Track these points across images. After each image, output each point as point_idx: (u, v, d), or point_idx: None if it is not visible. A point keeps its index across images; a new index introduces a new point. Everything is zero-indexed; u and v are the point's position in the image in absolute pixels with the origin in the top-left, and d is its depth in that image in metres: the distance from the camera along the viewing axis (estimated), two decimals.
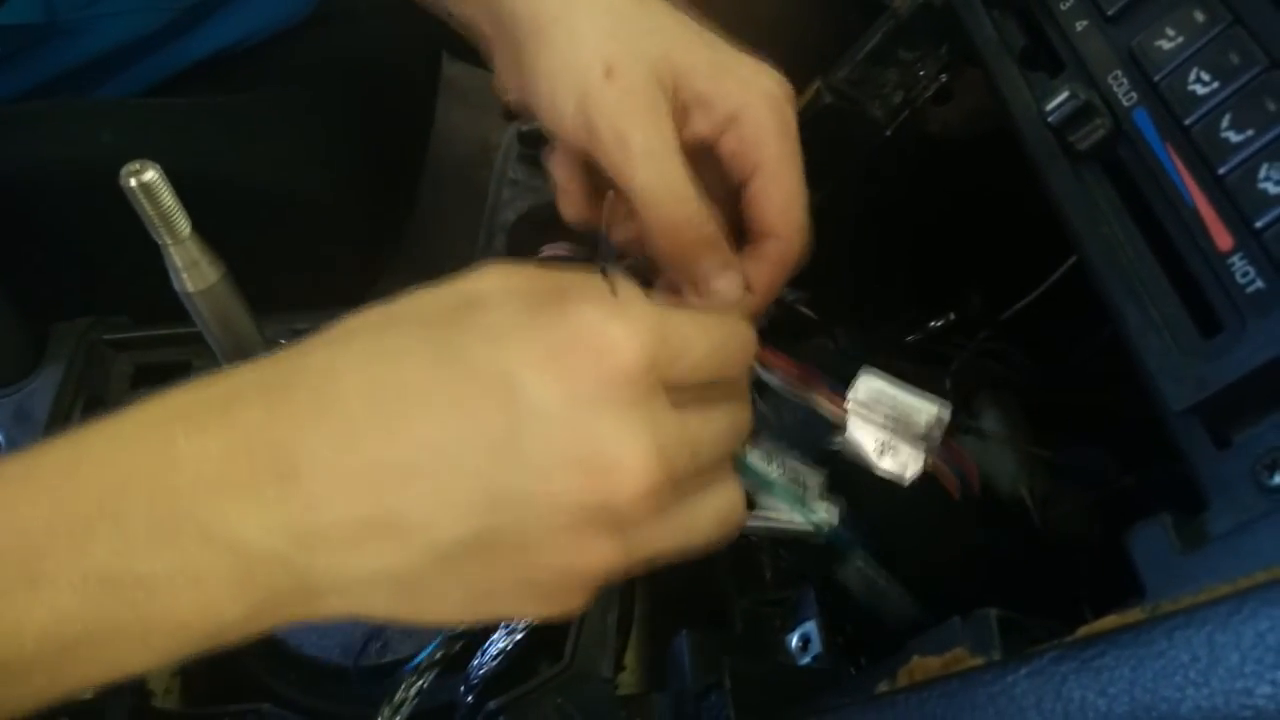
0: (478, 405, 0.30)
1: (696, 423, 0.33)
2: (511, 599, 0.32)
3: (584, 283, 0.33)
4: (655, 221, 0.40)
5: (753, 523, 0.43)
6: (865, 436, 0.41)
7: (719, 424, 0.34)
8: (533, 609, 0.33)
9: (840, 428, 0.42)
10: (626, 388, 0.30)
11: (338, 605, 0.31)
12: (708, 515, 0.34)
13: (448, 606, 0.32)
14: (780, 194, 0.42)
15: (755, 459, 0.43)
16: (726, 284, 0.41)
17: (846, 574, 0.45)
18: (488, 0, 0.45)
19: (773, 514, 0.43)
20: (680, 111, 0.42)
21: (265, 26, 0.72)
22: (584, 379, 0.30)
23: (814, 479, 0.44)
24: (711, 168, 0.43)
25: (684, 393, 0.33)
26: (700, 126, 0.42)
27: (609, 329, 0.30)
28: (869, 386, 0.42)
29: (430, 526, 0.30)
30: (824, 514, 0.43)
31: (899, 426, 0.41)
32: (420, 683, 0.44)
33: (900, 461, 0.41)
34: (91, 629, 0.28)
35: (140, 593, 0.28)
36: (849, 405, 0.41)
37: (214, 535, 0.29)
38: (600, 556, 0.31)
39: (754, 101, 0.42)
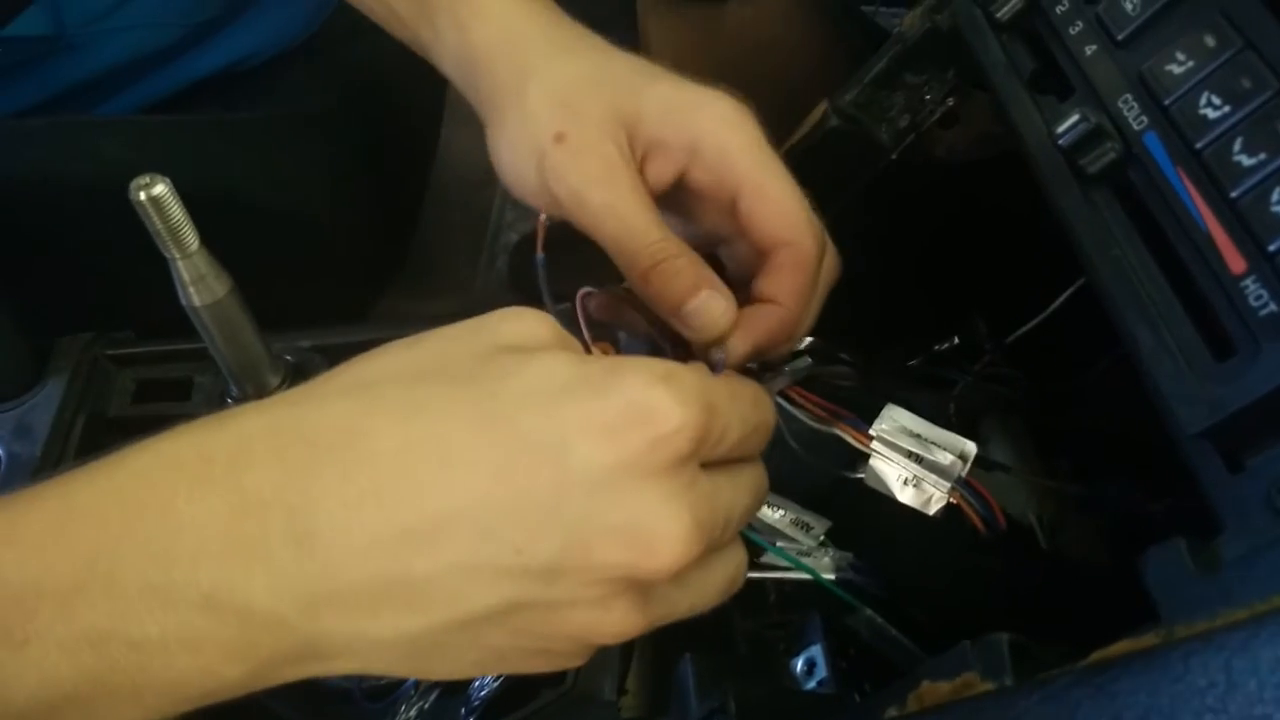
0: (525, 474, 0.29)
1: (728, 491, 0.33)
2: (523, 660, 0.32)
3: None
4: (630, 268, 0.40)
5: (754, 574, 0.43)
6: (889, 469, 0.41)
7: (745, 489, 0.34)
8: (540, 667, 0.33)
9: (864, 456, 0.42)
10: (673, 462, 0.30)
11: (342, 666, 0.30)
12: (720, 578, 0.34)
13: (457, 667, 0.31)
14: (769, 202, 0.41)
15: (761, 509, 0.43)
16: (698, 302, 0.40)
17: (857, 622, 0.45)
18: (465, 78, 0.46)
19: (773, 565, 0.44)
20: (643, 160, 0.42)
21: (271, 44, 0.73)
22: (635, 451, 0.29)
23: (818, 525, 0.44)
24: (710, 211, 0.43)
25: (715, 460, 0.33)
26: (664, 169, 0.42)
27: (664, 403, 0.29)
28: (894, 422, 0.42)
29: (457, 598, 0.29)
30: (827, 561, 0.43)
31: (923, 461, 0.41)
32: (421, 704, 0.43)
33: (924, 496, 0.41)
34: (82, 690, 0.27)
35: (134, 656, 0.27)
36: (873, 443, 0.41)
37: (217, 603, 0.27)
38: (621, 624, 0.31)
39: (707, 128, 0.41)
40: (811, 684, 0.45)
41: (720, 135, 0.41)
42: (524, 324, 0.32)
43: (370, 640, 0.29)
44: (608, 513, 0.29)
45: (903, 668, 0.44)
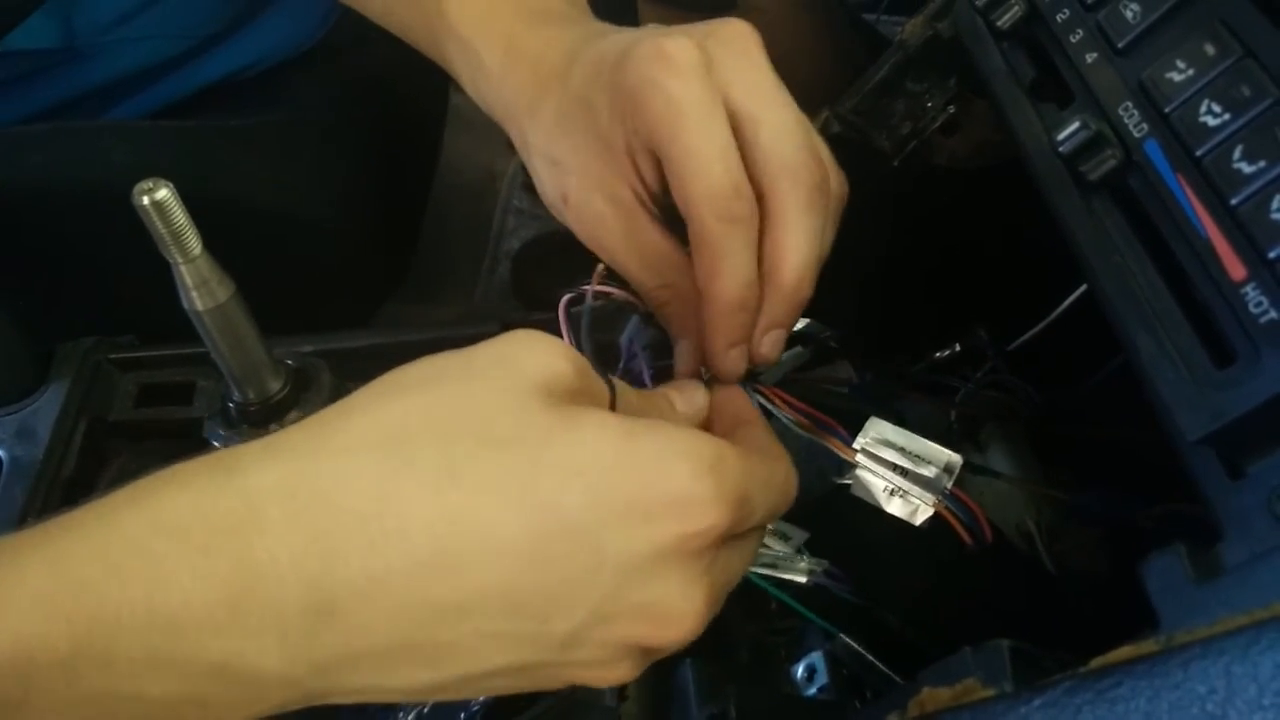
0: (563, 557, 0.29)
1: (739, 561, 0.34)
2: (523, 688, 0.33)
3: (672, 420, 0.35)
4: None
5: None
6: (875, 480, 0.42)
7: (750, 552, 0.36)
8: (532, 689, 0.34)
9: (850, 466, 0.42)
10: (699, 545, 0.30)
11: (349, 701, 0.30)
12: (710, 599, 0.34)
13: (460, 696, 0.34)
14: (689, 160, 0.37)
15: None
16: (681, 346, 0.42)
17: (835, 649, 0.46)
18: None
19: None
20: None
21: (275, 52, 0.73)
22: (669, 541, 0.30)
23: (796, 536, 0.45)
24: None
25: None
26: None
27: (705, 498, 0.30)
28: (878, 434, 0.42)
29: (475, 659, 0.29)
30: (802, 566, 0.44)
31: (908, 473, 0.41)
32: (420, 708, 0.43)
33: (909, 507, 0.41)
34: None
35: (137, 707, 0.27)
36: (858, 455, 0.41)
37: (227, 670, 0.27)
38: (620, 677, 0.33)
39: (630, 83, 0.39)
40: (812, 690, 0.45)
41: (639, 89, 0.38)
42: (548, 360, 0.31)
43: (381, 690, 0.30)
44: (633, 593, 0.30)
45: (879, 690, 0.44)
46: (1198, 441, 0.31)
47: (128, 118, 0.69)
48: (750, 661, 0.47)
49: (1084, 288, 0.52)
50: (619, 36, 0.42)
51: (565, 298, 0.43)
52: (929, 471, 0.41)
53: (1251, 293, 0.31)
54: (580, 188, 0.42)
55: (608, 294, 0.44)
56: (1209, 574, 0.29)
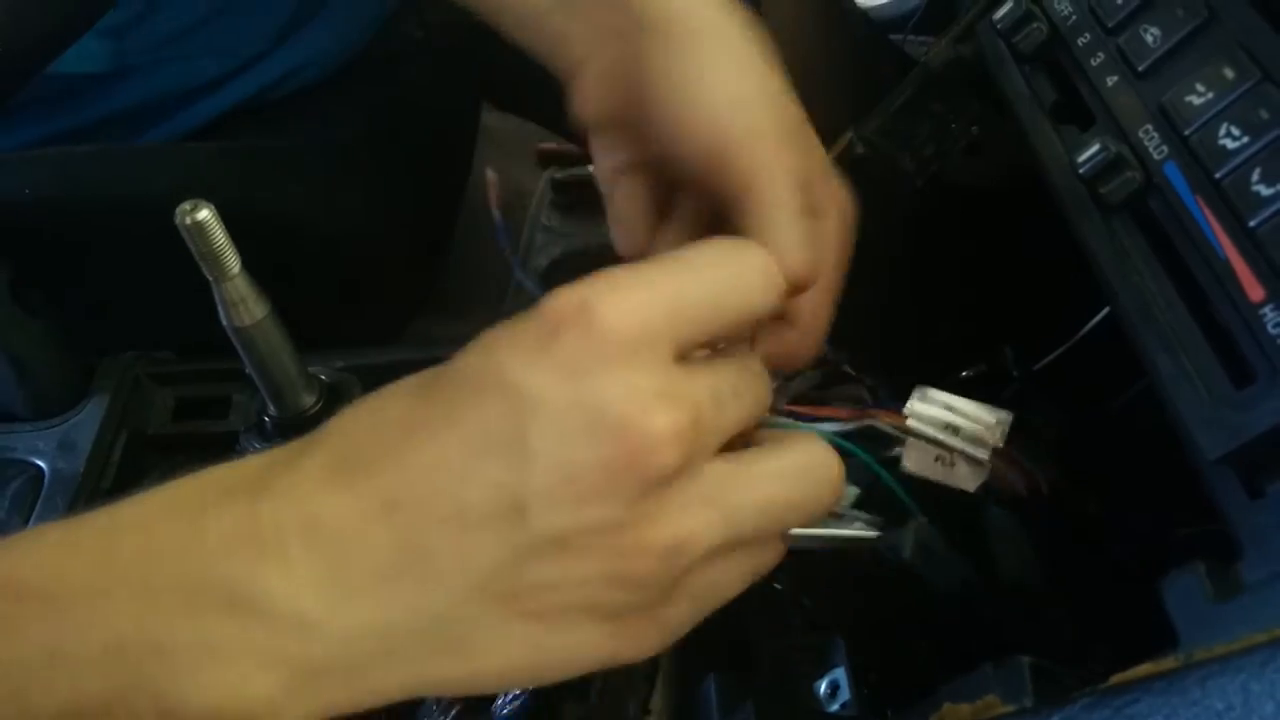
0: (473, 410, 0.29)
1: (704, 372, 0.30)
2: (574, 632, 0.30)
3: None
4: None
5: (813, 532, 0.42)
6: (925, 449, 0.41)
7: (730, 371, 0.32)
8: (604, 646, 0.30)
9: (900, 441, 0.41)
10: (618, 347, 0.28)
11: (382, 679, 0.29)
12: (789, 466, 0.31)
13: (505, 656, 0.29)
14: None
15: None
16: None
17: (904, 537, 0.43)
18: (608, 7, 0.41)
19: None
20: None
21: (312, 64, 0.74)
22: (572, 352, 0.28)
23: (850, 492, 0.43)
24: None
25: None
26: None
27: (584, 296, 0.28)
28: (925, 399, 0.41)
29: (462, 557, 0.28)
30: (859, 525, 0.42)
31: (959, 437, 0.41)
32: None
33: (962, 472, 0.41)
34: (112, 707, 0.27)
35: (162, 664, 0.27)
36: (908, 420, 0.41)
37: (239, 601, 0.28)
38: (655, 538, 0.28)
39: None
40: (835, 707, 0.45)
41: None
42: None
43: (396, 631, 0.28)
44: (568, 418, 0.27)
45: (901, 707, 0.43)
46: (1217, 461, 0.31)
47: (167, 136, 0.70)
48: (773, 677, 0.48)
49: (1108, 309, 0.52)
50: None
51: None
52: (981, 430, 0.41)
53: (1270, 313, 0.31)
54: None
55: None
56: (1228, 592, 0.29)
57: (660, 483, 0.28)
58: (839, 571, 0.47)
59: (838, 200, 0.41)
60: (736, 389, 0.31)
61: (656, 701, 0.49)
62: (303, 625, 0.28)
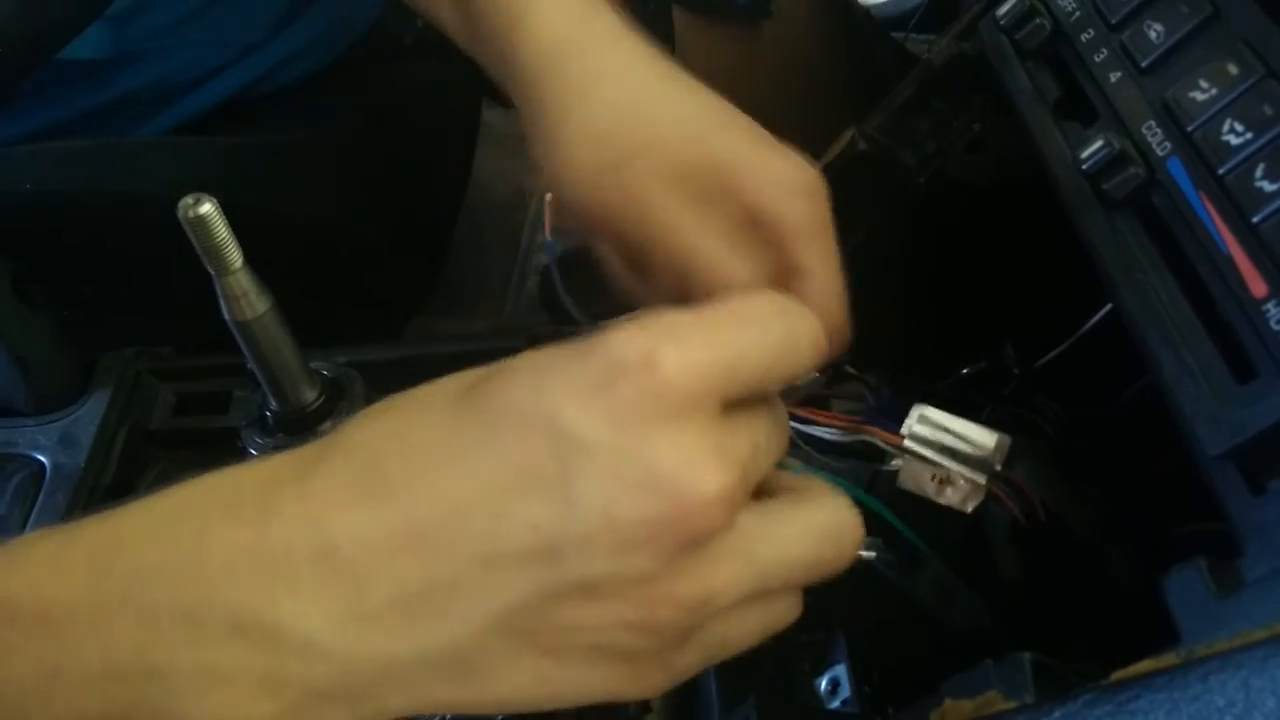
0: (520, 449, 0.27)
1: (746, 422, 0.30)
2: (584, 669, 0.29)
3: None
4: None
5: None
6: (922, 469, 0.41)
7: (766, 422, 0.31)
8: (610, 683, 0.30)
9: (897, 457, 0.41)
10: (675, 403, 0.27)
11: (385, 700, 0.29)
12: (722, 465, 0.29)
13: (513, 686, 0.29)
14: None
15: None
16: None
17: (919, 581, 0.43)
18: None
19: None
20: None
21: (308, 55, 0.74)
22: (629, 403, 0.27)
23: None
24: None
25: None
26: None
27: (648, 347, 0.27)
28: (924, 419, 0.41)
29: (486, 593, 0.27)
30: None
31: (956, 457, 0.41)
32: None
33: (960, 493, 0.40)
34: None
35: (164, 688, 0.27)
36: (905, 441, 0.41)
37: (244, 626, 0.27)
38: (685, 591, 0.28)
39: None
40: (836, 704, 0.45)
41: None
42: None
43: (408, 660, 0.28)
44: (620, 470, 0.27)
45: (966, 634, 0.43)
46: (1219, 456, 0.31)
47: (165, 126, 0.70)
48: (773, 674, 0.48)
49: (1111, 305, 0.52)
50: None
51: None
52: (978, 452, 0.40)
53: (1273, 309, 0.31)
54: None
55: None
56: (1229, 588, 0.29)
57: (702, 541, 0.28)
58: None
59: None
60: (770, 440, 0.31)
61: (656, 698, 0.49)
62: (310, 650, 0.27)
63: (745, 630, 0.32)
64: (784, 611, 0.33)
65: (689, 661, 0.31)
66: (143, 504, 0.29)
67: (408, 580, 0.27)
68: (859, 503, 0.37)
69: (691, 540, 0.27)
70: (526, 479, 0.27)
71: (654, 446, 0.27)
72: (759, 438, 0.30)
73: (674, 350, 0.28)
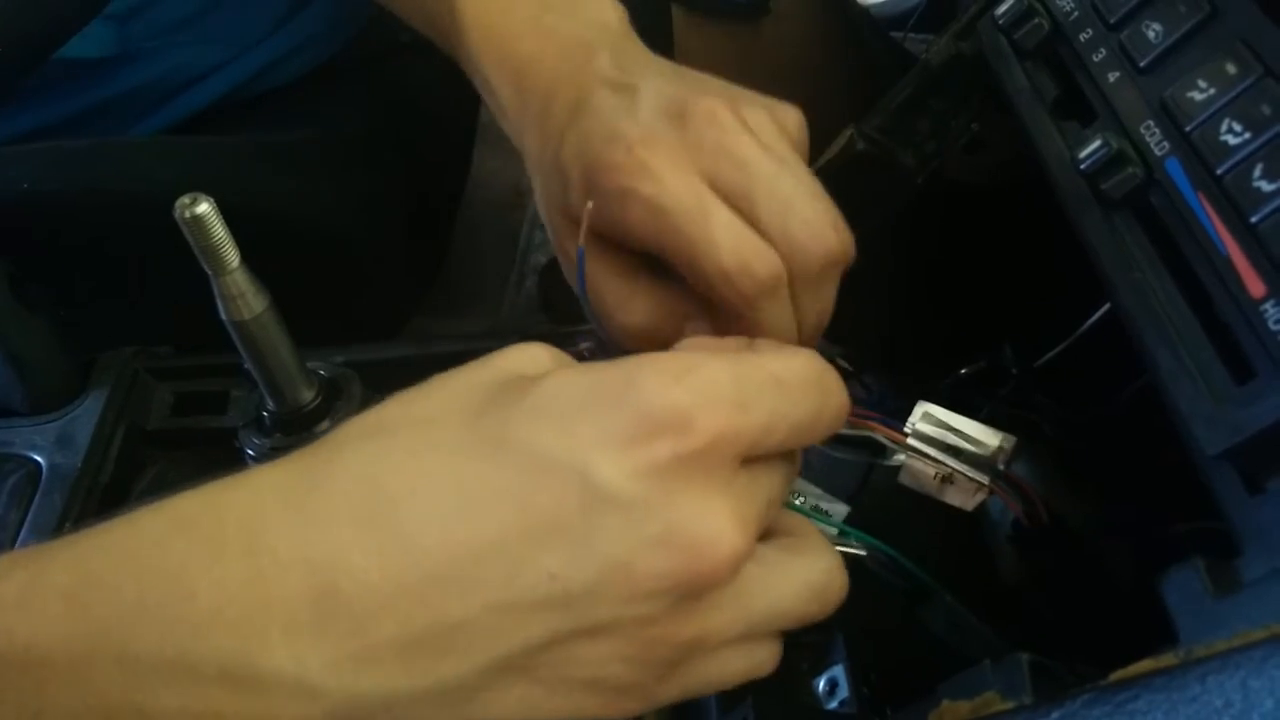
0: (548, 498, 0.27)
1: (766, 477, 0.31)
2: (571, 698, 0.29)
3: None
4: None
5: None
6: (925, 466, 0.41)
7: (780, 476, 0.32)
8: (590, 709, 0.30)
9: (897, 451, 0.41)
10: (702, 462, 0.28)
11: None
12: (737, 522, 0.30)
13: (498, 711, 0.29)
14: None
15: None
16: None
17: (930, 614, 0.43)
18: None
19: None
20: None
21: (305, 51, 0.74)
22: (660, 461, 0.27)
23: (838, 510, 0.44)
24: None
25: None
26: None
27: (683, 405, 0.28)
28: (928, 417, 0.41)
29: (495, 637, 0.27)
30: (851, 542, 0.43)
31: (960, 456, 0.41)
32: None
33: (961, 491, 0.40)
34: None
35: None
36: (909, 438, 0.41)
37: (234, 674, 0.26)
38: (683, 632, 0.29)
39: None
40: (834, 704, 0.45)
41: (617, 200, 0.39)
42: (526, 352, 0.32)
43: (407, 696, 0.27)
44: (643, 526, 0.27)
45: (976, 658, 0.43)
46: (1217, 456, 0.31)
47: (164, 124, 0.70)
48: (771, 674, 0.48)
49: (1109, 305, 0.52)
50: (594, 124, 0.40)
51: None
52: (982, 452, 0.40)
53: (1271, 310, 0.31)
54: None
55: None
56: (1227, 589, 0.29)
57: (708, 592, 0.29)
58: None
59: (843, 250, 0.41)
60: (782, 492, 0.32)
61: None
62: (303, 692, 0.26)
63: (728, 671, 0.32)
64: (765, 658, 0.33)
65: (670, 694, 0.31)
66: (115, 534, 0.28)
67: (413, 622, 0.27)
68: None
69: (699, 591, 0.28)
70: (549, 528, 0.27)
71: (678, 506, 0.28)
72: (774, 494, 0.31)
73: (709, 417, 0.28)
